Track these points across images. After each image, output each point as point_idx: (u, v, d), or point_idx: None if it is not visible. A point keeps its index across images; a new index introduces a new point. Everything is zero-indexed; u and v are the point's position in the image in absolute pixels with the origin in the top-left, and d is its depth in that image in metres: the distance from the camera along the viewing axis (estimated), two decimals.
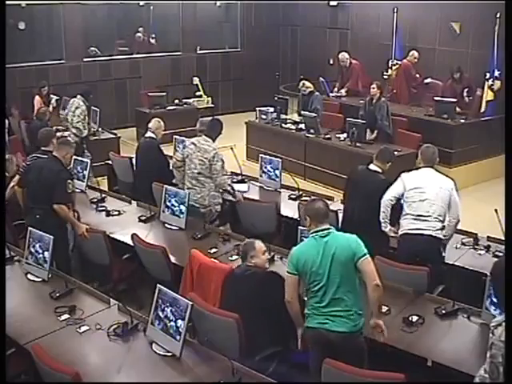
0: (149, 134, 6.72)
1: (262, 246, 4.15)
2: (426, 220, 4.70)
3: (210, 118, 6.06)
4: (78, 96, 8.17)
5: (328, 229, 3.66)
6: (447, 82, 9.38)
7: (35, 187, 5.16)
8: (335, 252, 3.57)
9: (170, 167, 6.22)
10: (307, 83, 9.10)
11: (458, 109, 8.89)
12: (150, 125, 6.78)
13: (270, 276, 4.06)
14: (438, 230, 4.70)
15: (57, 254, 4.91)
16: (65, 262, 5.14)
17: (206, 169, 5.71)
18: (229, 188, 5.90)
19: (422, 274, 4.38)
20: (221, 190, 5.86)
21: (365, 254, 3.56)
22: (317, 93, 9.16)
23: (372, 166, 5.24)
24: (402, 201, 4.86)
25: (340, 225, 5.27)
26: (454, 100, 8.76)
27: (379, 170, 5.20)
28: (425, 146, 5.02)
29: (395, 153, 7.70)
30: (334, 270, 3.57)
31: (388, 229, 4.94)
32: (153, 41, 12.46)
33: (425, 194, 4.71)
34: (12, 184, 5.56)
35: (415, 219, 4.73)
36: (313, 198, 3.80)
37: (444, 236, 4.75)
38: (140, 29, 12.28)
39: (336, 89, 10.41)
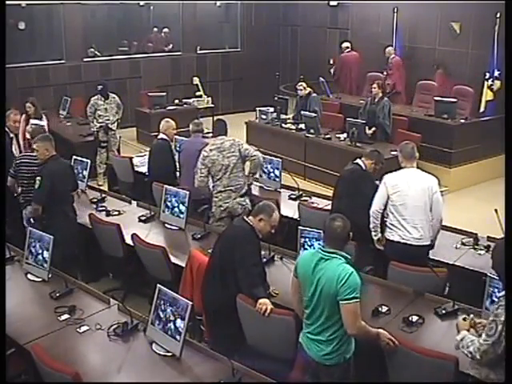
0: (160, 135, 6.62)
1: (277, 219, 4.09)
2: (409, 225, 4.69)
3: (216, 119, 6.00)
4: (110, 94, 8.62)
5: (333, 253, 3.39)
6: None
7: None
8: (324, 283, 3.35)
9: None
10: (304, 84, 9.10)
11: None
12: (160, 126, 6.66)
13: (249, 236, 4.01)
14: (422, 237, 4.70)
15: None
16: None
17: (238, 159, 5.68)
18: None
19: (441, 277, 4.31)
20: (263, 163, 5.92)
21: (346, 299, 3.27)
22: (314, 94, 9.15)
23: (357, 160, 5.41)
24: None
25: None
26: (455, 100, 8.75)
27: (362, 165, 5.33)
28: (404, 143, 5.03)
29: (393, 153, 7.81)
30: (321, 299, 3.38)
31: (377, 238, 4.96)
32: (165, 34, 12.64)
33: (407, 197, 4.72)
34: None
35: (400, 224, 4.74)
36: (336, 216, 3.52)
37: (430, 237, 4.74)
38: (155, 29, 12.55)
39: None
